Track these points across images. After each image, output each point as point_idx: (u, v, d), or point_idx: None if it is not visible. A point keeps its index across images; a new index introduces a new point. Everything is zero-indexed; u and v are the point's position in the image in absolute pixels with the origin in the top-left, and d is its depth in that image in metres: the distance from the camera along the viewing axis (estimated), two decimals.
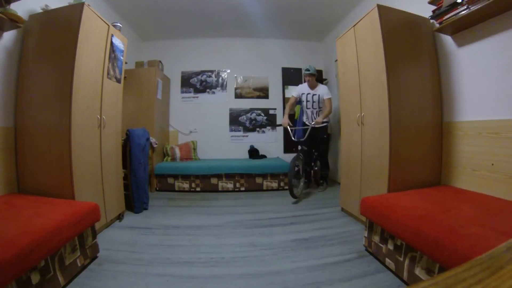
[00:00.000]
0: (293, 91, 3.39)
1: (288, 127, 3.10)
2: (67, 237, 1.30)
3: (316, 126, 3.08)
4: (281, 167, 3.51)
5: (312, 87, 3.26)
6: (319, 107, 3.28)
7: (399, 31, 1.93)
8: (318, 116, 3.28)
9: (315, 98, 3.25)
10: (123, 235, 2.02)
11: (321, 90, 3.23)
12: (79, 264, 1.43)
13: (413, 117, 1.92)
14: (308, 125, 3.21)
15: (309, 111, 3.34)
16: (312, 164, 3.49)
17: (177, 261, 1.61)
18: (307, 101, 3.31)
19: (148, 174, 2.82)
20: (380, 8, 1.89)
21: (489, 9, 1.52)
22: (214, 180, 3.47)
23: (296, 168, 3.03)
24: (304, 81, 3.35)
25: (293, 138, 3.11)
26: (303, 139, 3.07)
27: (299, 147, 3.14)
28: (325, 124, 3.24)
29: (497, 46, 1.61)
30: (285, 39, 4.50)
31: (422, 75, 1.98)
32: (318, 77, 4.54)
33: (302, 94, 3.31)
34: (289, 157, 3.95)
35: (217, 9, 3.45)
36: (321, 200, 3.01)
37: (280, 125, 3.24)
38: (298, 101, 3.46)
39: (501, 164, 1.57)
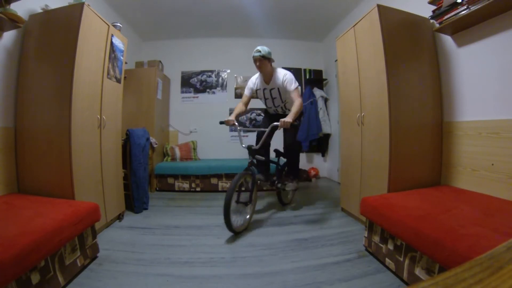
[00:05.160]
0: (246, 88, 2.46)
1: (237, 128, 2.27)
2: (67, 237, 1.30)
3: (283, 126, 2.04)
4: None
5: (266, 77, 2.31)
6: (283, 101, 2.39)
7: (399, 31, 1.93)
8: (287, 107, 2.43)
9: (274, 93, 2.33)
10: (123, 235, 2.02)
11: (279, 80, 2.24)
12: (79, 264, 1.43)
13: (413, 117, 1.92)
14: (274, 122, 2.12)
15: (274, 109, 2.50)
16: (284, 178, 2.57)
17: (177, 261, 1.61)
18: (265, 98, 2.43)
19: (148, 174, 2.82)
20: (380, 8, 1.89)
21: (489, 9, 1.52)
22: (214, 180, 3.47)
23: (243, 188, 2.12)
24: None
25: (242, 145, 2.25)
26: (256, 147, 2.20)
27: (249, 158, 2.19)
28: (295, 124, 2.12)
29: (497, 46, 1.61)
30: (285, 39, 4.50)
31: (422, 75, 1.98)
32: (317, 77, 4.57)
33: (257, 90, 2.42)
34: None
35: (217, 9, 3.45)
36: (321, 200, 3.01)
37: (223, 122, 2.28)
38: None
39: (501, 164, 1.57)
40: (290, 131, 2.32)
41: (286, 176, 2.60)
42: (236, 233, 1.97)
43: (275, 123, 2.08)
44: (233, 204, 1.94)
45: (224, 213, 1.83)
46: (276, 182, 2.47)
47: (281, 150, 2.60)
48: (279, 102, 2.39)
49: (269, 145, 2.51)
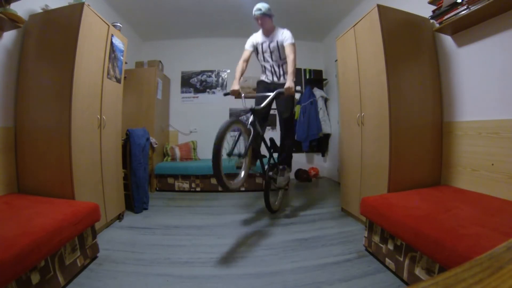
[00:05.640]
0: (246, 44, 2.44)
1: (242, 95, 2.21)
2: (67, 237, 1.30)
3: (289, 93, 2.06)
4: None
5: (267, 33, 2.36)
6: (282, 58, 2.37)
7: (399, 31, 1.93)
8: (284, 69, 2.39)
9: (273, 47, 2.33)
10: (123, 235, 2.02)
11: (280, 35, 2.29)
12: (79, 264, 1.43)
13: (413, 117, 1.92)
14: (268, 92, 2.17)
15: (271, 65, 2.43)
16: (272, 163, 2.43)
17: (177, 261, 1.61)
18: (263, 52, 2.40)
19: (148, 174, 2.82)
20: (380, 8, 1.89)
21: (489, 9, 1.52)
22: (214, 180, 3.47)
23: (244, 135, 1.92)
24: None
25: (244, 105, 2.13)
26: (259, 107, 2.08)
27: (251, 118, 2.01)
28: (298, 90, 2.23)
29: (497, 46, 1.61)
30: None
31: (422, 75, 1.98)
32: (317, 77, 4.57)
33: (257, 44, 2.41)
34: None
35: (217, 9, 3.45)
36: (321, 200, 3.01)
37: (228, 94, 2.26)
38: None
39: (501, 164, 1.57)
40: (288, 101, 2.32)
41: (279, 157, 2.48)
42: (231, 191, 1.75)
43: (281, 89, 2.07)
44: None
45: (213, 163, 1.52)
46: (267, 171, 2.33)
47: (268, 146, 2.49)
48: (277, 57, 2.38)
49: (266, 118, 2.42)
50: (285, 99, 2.29)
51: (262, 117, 2.31)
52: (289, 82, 2.04)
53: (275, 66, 2.43)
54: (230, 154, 1.77)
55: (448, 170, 1.95)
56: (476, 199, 1.53)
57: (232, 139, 1.80)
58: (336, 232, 2.05)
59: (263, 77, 2.54)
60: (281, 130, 2.46)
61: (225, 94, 2.31)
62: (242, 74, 2.31)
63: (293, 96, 2.28)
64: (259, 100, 2.22)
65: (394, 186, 1.81)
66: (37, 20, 1.85)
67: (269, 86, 2.40)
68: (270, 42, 2.35)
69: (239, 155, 1.83)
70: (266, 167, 2.36)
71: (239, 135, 1.90)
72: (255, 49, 2.43)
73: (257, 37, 2.43)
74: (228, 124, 1.64)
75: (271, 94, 2.10)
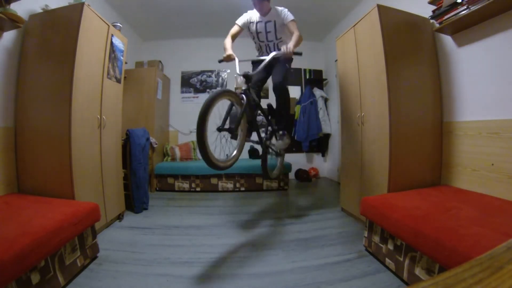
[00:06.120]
0: (239, 19, 2.32)
1: (236, 60, 2.05)
2: (67, 237, 1.30)
3: (285, 55, 1.89)
4: None
5: (264, 13, 2.23)
6: (278, 38, 2.24)
7: (399, 31, 1.93)
8: (279, 47, 2.16)
9: (270, 26, 2.20)
10: (123, 235, 2.02)
11: (278, 14, 2.16)
12: (79, 264, 1.43)
13: (413, 117, 1.92)
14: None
15: (267, 44, 2.30)
16: (270, 131, 2.27)
17: (177, 261, 1.61)
18: (257, 32, 2.26)
19: (148, 174, 2.82)
20: (380, 8, 1.89)
21: (489, 9, 1.52)
22: (214, 180, 3.47)
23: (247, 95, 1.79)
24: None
25: (237, 72, 1.95)
26: (253, 73, 1.94)
27: (244, 86, 1.87)
28: (298, 53, 1.96)
29: (497, 46, 1.61)
30: None
31: (422, 75, 1.98)
32: (317, 77, 4.57)
33: (251, 23, 2.28)
34: (289, 157, 3.92)
35: (217, 9, 3.45)
36: (321, 200, 3.01)
37: (222, 60, 2.15)
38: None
39: (501, 164, 1.57)
40: (281, 68, 2.15)
41: (276, 125, 2.32)
42: (220, 169, 1.60)
43: (276, 52, 1.91)
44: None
45: (198, 137, 1.38)
46: (264, 139, 2.19)
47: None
48: (272, 37, 2.25)
49: (261, 86, 2.29)
50: (280, 66, 2.11)
51: (259, 84, 2.14)
52: (290, 44, 1.89)
53: (270, 45, 2.33)
54: (220, 128, 1.66)
55: (448, 170, 1.95)
56: (476, 199, 1.53)
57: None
58: (336, 232, 2.05)
59: (258, 57, 2.38)
60: (276, 101, 2.27)
61: (220, 61, 2.20)
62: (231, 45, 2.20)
63: (288, 67, 2.16)
64: (255, 67, 2.08)
65: (394, 186, 1.81)
66: (37, 20, 1.85)
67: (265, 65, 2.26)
68: (267, 21, 2.22)
69: (229, 130, 1.67)
70: (263, 135, 2.22)
71: (231, 106, 1.74)
72: (248, 28, 2.31)
73: (252, 15, 2.29)
74: (215, 94, 1.48)
75: (267, 58, 1.91)
